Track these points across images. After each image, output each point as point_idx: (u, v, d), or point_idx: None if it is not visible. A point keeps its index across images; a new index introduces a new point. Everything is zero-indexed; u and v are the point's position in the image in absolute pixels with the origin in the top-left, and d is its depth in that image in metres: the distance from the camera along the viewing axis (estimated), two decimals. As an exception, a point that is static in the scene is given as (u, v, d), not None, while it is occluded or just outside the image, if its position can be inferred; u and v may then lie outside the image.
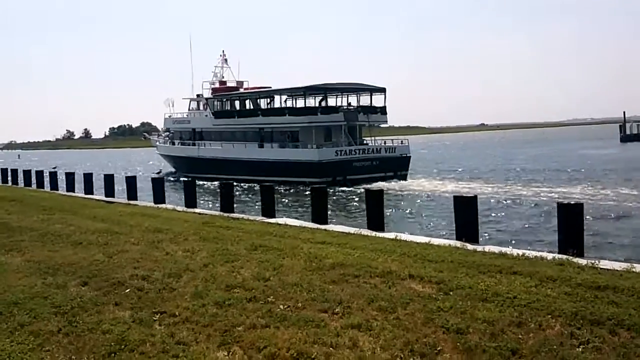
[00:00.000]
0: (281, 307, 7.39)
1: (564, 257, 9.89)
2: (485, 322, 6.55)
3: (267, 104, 51.72)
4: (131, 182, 25.28)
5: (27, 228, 14.70)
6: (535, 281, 8.08)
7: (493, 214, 24.62)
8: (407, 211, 27.53)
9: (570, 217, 11.34)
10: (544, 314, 6.75)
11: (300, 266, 9.48)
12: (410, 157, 45.38)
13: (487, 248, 10.92)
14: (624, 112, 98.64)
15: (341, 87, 47.01)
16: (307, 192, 34.88)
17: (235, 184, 23.80)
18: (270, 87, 52.76)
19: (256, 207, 28.33)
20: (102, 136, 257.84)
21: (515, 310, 6.92)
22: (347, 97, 48.70)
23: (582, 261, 9.44)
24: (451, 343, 6.08)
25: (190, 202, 21.53)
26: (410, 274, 8.65)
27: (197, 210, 20.14)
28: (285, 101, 50.42)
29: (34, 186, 33.70)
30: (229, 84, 57.53)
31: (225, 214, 17.95)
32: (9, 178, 38.09)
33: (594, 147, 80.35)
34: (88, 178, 28.85)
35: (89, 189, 28.41)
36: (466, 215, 12.90)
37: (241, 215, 18.04)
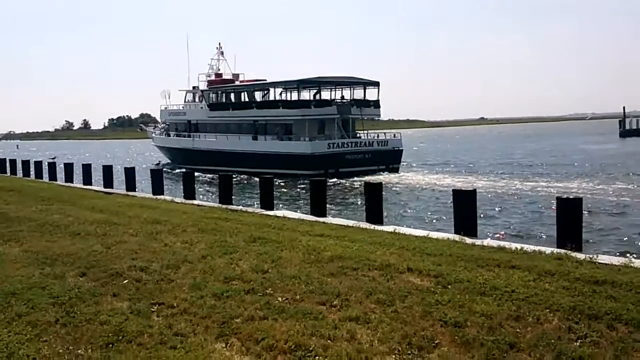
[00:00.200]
0: (279, 299, 7.39)
1: (563, 251, 9.89)
2: (483, 316, 6.55)
3: (263, 96, 51.98)
4: (130, 173, 25.28)
5: (25, 218, 14.68)
6: (534, 275, 8.09)
7: (492, 208, 24.62)
8: (406, 204, 27.51)
9: (569, 212, 11.36)
10: (542, 308, 6.75)
11: (298, 258, 9.47)
12: (402, 150, 45.79)
13: (486, 242, 10.94)
14: (624, 108, 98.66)
15: (335, 81, 47.27)
16: (303, 185, 35.48)
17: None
18: (266, 80, 52.91)
19: (252, 199, 28.39)
20: (101, 127, 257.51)
21: (514, 304, 6.92)
22: (341, 90, 48.91)
23: (581, 256, 9.46)
24: (449, 336, 6.08)
25: (189, 193, 21.52)
26: (409, 267, 8.65)
27: (195, 201, 20.13)
28: (280, 94, 50.61)
29: (32, 176, 33.66)
30: (224, 77, 57.65)
31: (224, 206, 17.94)
32: (8, 168, 38.03)
33: (594, 142, 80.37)
34: (87, 169, 28.82)
35: (87, 179, 28.40)
36: (465, 209, 12.89)
37: (240, 207, 18.04)
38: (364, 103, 47.09)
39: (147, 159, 67.29)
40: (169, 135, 59.12)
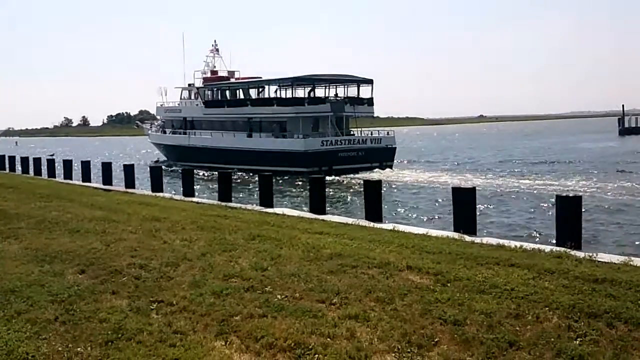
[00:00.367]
0: (279, 297, 7.38)
1: (562, 249, 9.90)
2: (482, 314, 6.54)
3: (258, 94, 52.10)
4: (129, 170, 25.27)
5: (24, 215, 14.66)
6: (533, 273, 8.08)
7: (491, 206, 24.62)
8: (405, 202, 27.51)
9: (568, 210, 11.37)
10: (541, 306, 6.75)
11: (298, 256, 9.47)
12: (395, 147, 46.10)
13: (485, 240, 10.93)
14: (623, 106, 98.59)
15: (329, 78, 47.58)
16: (298, 182, 35.58)
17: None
18: (261, 78, 53.13)
19: (249, 196, 28.40)
20: (100, 124, 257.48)
21: (513, 302, 6.91)
22: (336, 88, 49.16)
23: (580, 254, 9.45)
24: (448, 334, 6.07)
25: (188, 191, 21.52)
26: (408, 265, 8.64)
27: (194, 199, 20.13)
28: (276, 91, 50.79)
29: (31, 173, 33.64)
30: (220, 74, 57.82)
31: (223, 203, 17.94)
32: (7, 165, 38.02)
33: (593, 140, 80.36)
34: (86, 166, 28.82)
35: (86, 176, 28.39)
36: (465, 206, 12.90)
37: (239, 205, 18.02)
38: (357, 101, 47.46)
39: (144, 157, 67.16)
40: (164, 132, 59.27)
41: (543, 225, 19.30)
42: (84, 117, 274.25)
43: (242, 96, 52.49)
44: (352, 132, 47.84)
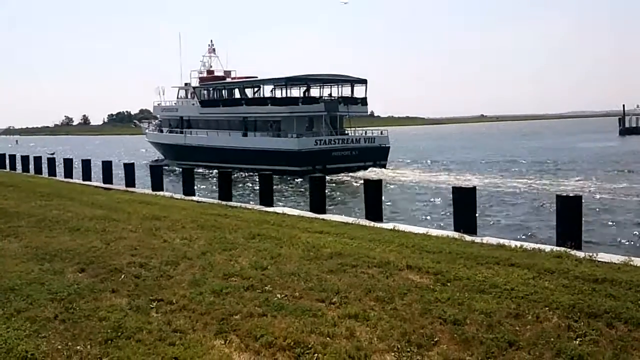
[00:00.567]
0: (278, 296, 7.38)
1: (562, 249, 9.88)
2: (482, 314, 6.54)
3: (254, 93, 52.63)
4: (129, 169, 25.27)
5: (24, 214, 14.65)
6: (533, 273, 8.07)
7: (492, 206, 24.62)
8: (404, 202, 27.52)
9: (568, 210, 11.35)
10: (541, 306, 6.74)
11: (298, 255, 9.46)
12: (389, 147, 46.62)
13: (485, 239, 10.91)
14: (623, 105, 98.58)
15: (323, 78, 48.21)
16: (292, 181, 35.65)
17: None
18: (257, 77, 53.67)
19: (248, 195, 28.40)
20: (101, 122, 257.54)
21: (513, 302, 6.91)
22: (330, 88, 49.70)
23: (580, 254, 9.45)
24: (448, 334, 6.07)
25: (188, 189, 21.51)
26: (408, 264, 8.64)
27: (195, 198, 20.12)
28: (272, 91, 51.27)
29: (31, 172, 33.62)
30: (216, 74, 58.32)
31: (223, 202, 17.93)
32: (7, 163, 38.01)
33: (593, 140, 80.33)
34: (86, 164, 28.81)
35: (87, 175, 28.38)
36: (465, 206, 12.89)
37: (239, 204, 18.02)
38: (351, 100, 48.10)
39: (137, 156, 67.14)
40: (161, 131, 59.80)
41: (543, 225, 19.30)
42: (84, 116, 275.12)
43: (237, 96, 53.05)
44: (346, 132, 48.29)
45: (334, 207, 23.31)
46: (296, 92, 49.07)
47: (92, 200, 17.78)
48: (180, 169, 27.35)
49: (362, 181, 36.18)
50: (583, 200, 11.88)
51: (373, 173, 39.91)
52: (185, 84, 58.49)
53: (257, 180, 35.80)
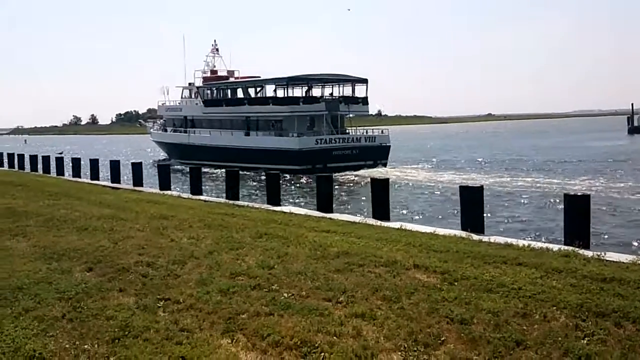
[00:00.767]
0: (285, 295, 7.38)
1: (570, 248, 9.84)
2: (489, 313, 6.52)
3: (257, 93, 53.01)
4: (137, 168, 25.34)
5: (32, 213, 14.71)
6: (541, 272, 8.05)
7: (499, 205, 24.55)
8: (411, 201, 27.48)
9: (577, 209, 11.30)
10: (549, 305, 6.72)
11: (304, 254, 9.46)
12: (389, 146, 46.76)
13: (493, 239, 10.87)
14: (632, 104, 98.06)
15: (324, 78, 48.64)
16: (293, 179, 35.70)
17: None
18: (259, 77, 54.12)
19: (255, 194, 28.41)
20: (109, 122, 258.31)
21: (520, 301, 6.89)
22: (332, 87, 50.12)
23: (588, 253, 9.40)
24: (455, 333, 6.05)
25: (196, 189, 21.54)
26: (415, 263, 8.62)
27: (202, 197, 20.14)
28: (274, 91, 51.70)
29: (40, 171, 33.75)
30: (219, 74, 58.76)
31: (231, 202, 17.95)
32: (16, 163, 38.18)
33: (602, 139, 79.96)
34: (94, 164, 28.90)
35: (95, 174, 28.47)
36: (472, 205, 12.85)
37: (246, 203, 18.04)
38: (352, 100, 48.37)
39: (141, 156, 67.31)
40: (165, 130, 60.38)
41: (551, 224, 19.23)
42: (92, 115, 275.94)
43: (240, 95, 53.46)
44: (347, 131, 48.58)
45: (336, 206, 23.27)
46: (298, 91, 49.46)
47: (100, 199, 17.84)
48: (184, 168, 27.52)
49: (364, 180, 36.96)
50: (592, 199, 11.83)
51: (376, 172, 40.06)
52: (189, 84, 58.89)
53: (260, 178, 36.86)
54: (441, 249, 9.65)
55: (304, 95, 48.58)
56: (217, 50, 60.22)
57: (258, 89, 53.15)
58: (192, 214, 14.18)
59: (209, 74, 58.77)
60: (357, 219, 13.94)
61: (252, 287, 7.72)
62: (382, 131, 47.77)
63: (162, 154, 62.12)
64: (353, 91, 49.25)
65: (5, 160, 40.43)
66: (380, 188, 15.21)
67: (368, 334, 6.06)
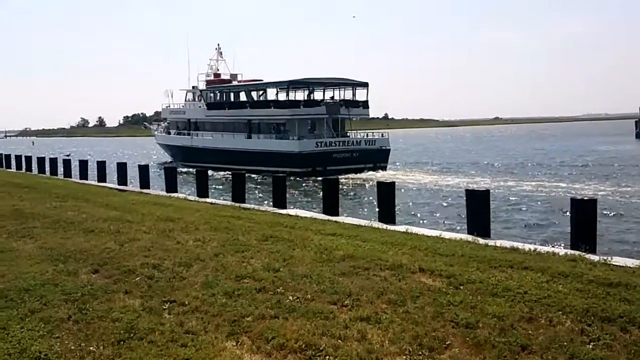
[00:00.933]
0: (290, 298, 7.38)
1: (576, 253, 9.81)
2: (495, 317, 6.50)
3: (259, 96, 53.64)
4: (144, 171, 25.41)
5: (39, 215, 14.78)
6: (547, 277, 8.02)
7: (505, 209, 24.49)
8: (416, 204, 27.45)
9: (583, 213, 11.26)
10: (554, 310, 6.70)
11: (310, 257, 9.46)
12: (389, 149, 47.28)
13: (499, 243, 10.85)
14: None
15: (324, 82, 49.03)
16: (303, 183, 35.78)
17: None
18: (262, 80, 54.74)
19: (260, 196, 28.43)
20: (117, 124, 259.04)
21: (526, 305, 6.87)
22: (332, 91, 50.50)
23: (595, 257, 9.37)
24: (460, 337, 6.04)
25: (202, 191, 21.58)
26: (421, 267, 8.61)
27: (208, 199, 20.18)
28: (276, 94, 52.20)
29: (47, 173, 33.89)
30: (223, 77, 59.58)
31: (237, 204, 17.97)
32: (23, 165, 38.35)
33: (609, 143, 79.69)
34: (101, 166, 29.01)
35: (102, 176, 28.57)
36: (478, 209, 12.82)
37: (252, 206, 18.06)
38: (352, 103, 48.97)
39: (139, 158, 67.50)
40: (169, 133, 61.22)
41: (558, 228, 19.17)
42: (100, 117, 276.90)
43: (243, 98, 54.29)
44: (347, 134, 49.12)
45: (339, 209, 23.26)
46: (300, 95, 49.97)
47: (107, 201, 17.90)
48: (188, 170, 27.64)
49: (365, 183, 37.17)
50: (599, 203, 11.79)
51: (380, 174, 40.55)
52: (193, 87, 59.73)
53: (261, 181, 37.18)
54: (447, 252, 9.64)
55: (306, 98, 49.07)
56: (220, 53, 61.08)
57: (260, 92, 53.74)
58: (198, 217, 14.21)
59: (212, 77, 59.52)
60: (362, 222, 13.93)
61: (257, 290, 7.73)
62: (382, 134, 48.35)
63: (165, 157, 62.67)
64: (354, 95, 49.77)
65: (13, 162, 40.64)
66: (386, 191, 15.19)
67: (373, 338, 6.06)
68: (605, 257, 9.31)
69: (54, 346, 6.01)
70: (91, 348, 5.96)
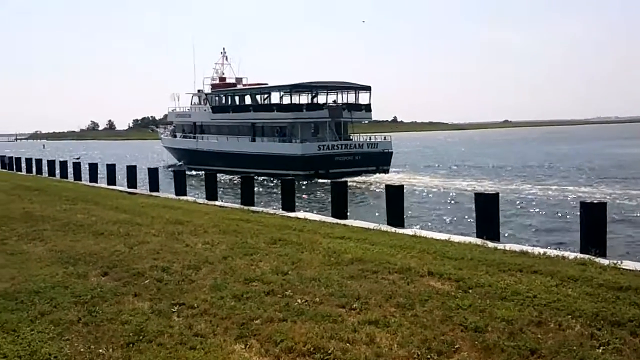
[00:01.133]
0: (299, 301, 7.39)
1: (586, 256, 9.76)
2: (504, 321, 6.48)
3: (264, 100, 54.26)
4: (153, 174, 25.50)
5: (49, 217, 14.86)
6: (556, 281, 7.99)
7: (514, 212, 24.41)
8: (424, 207, 27.41)
9: (593, 217, 11.20)
10: (564, 314, 6.67)
11: (318, 261, 9.47)
12: (392, 152, 47.74)
13: (508, 246, 10.81)
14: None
15: (328, 85, 49.62)
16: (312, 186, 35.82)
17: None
18: (267, 84, 55.43)
19: (265, 200, 28.46)
20: (126, 127, 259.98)
21: (535, 309, 6.84)
22: (336, 94, 50.94)
23: (605, 261, 9.32)
24: (469, 341, 6.02)
25: (211, 194, 21.62)
26: (430, 270, 8.60)
27: (217, 202, 20.21)
28: (281, 97, 52.53)
29: (57, 176, 34.05)
30: (228, 81, 60.13)
31: (246, 207, 17.99)
32: (34, 168, 38.54)
33: (620, 146, 79.29)
34: (111, 169, 29.12)
35: (111, 179, 28.68)
36: (487, 212, 12.78)
37: (261, 209, 18.08)
38: (355, 107, 49.59)
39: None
40: (175, 136, 62.09)
41: (568, 232, 19.09)
42: (110, 120, 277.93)
43: (248, 102, 54.79)
44: (350, 137, 49.59)
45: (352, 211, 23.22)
46: (304, 98, 50.68)
47: (116, 204, 17.97)
48: (192, 173, 27.77)
49: (369, 185, 37.25)
50: (609, 207, 11.73)
51: (381, 177, 40.94)
52: (199, 91, 60.37)
53: (266, 183, 37.34)
54: (456, 256, 9.62)
55: (309, 102, 49.68)
56: (226, 57, 61.72)
57: (265, 95, 54.30)
58: (207, 220, 14.24)
59: (217, 81, 60.09)
60: (371, 225, 13.92)
61: (265, 293, 7.74)
62: (384, 137, 48.78)
63: (169, 160, 63.19)
64: (357, 98, 50.39)
65: (24, 165, 40.85)
66: (395, 194, 15.17)
67: (381, 341, 6.05)
68: (615, 261, 9.26)
69: (63, 348, 6.04)
70: (100, 350, 5.99)
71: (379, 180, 39.31)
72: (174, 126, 63.65)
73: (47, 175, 35.46)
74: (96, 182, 29.67)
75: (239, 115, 52.89)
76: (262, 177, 38.91)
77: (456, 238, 11.96)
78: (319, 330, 6.33)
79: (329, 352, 5.79)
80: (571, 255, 9.99)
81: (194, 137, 57.11)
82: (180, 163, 57.64)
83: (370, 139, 49.06)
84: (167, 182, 30.57)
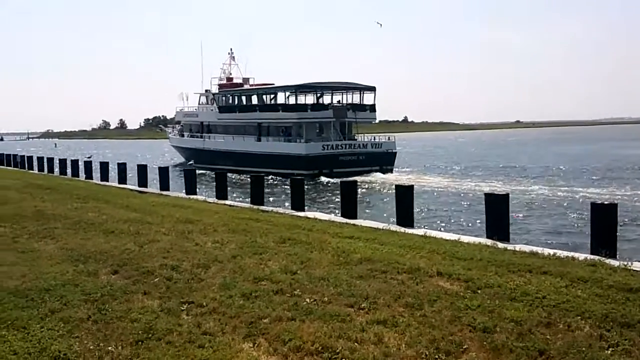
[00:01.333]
0: (307, 300, 7.40)
1: (596, 257, 9.71)
2: (513, 322, 6.47)
3: (270, 100, 54.80)
4: (164, 173, 25.58)
5: (60, 216, 14.94)
6: (566, 282, 7.96)
7: (524, 213, 24.32)
8: (432, 207, 27.35)
9: (603, 218, 11.14)
10: (573, 315, 6.65)
11: (327, 260, 9.48)
12: (396, 152, 48.13)
13: (518, 247, 10.76)
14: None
15: (333, 86, 49.92)
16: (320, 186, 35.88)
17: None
18: (273, 84, 55.92)
19: (272, 199, 28.48)
20: (137, 127, 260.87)
21: (544, 310, 6.82)
22: (341, 95, 51.33)
23: (615, 262, 9.27)
24: (478, 342, 6.01)
25: (221, 193, 21.66)
26: (439, 271, 8.59)
27: (227, 202, 20.25)
28: (287, 97, 52.95)
29: (69, 175, 34.21)
30: (235, 81, 60.77)
31: (255, 207, 18.02)
32: (45, 167, 38.76)
33: (632, 147, 78.78)
34: (122, 168, 29.24)
35: (122, 178, 28.80)
36: (497, 213, 12.74)
37: (271, 208, 18.10)
38: (359, 107, 49.92)
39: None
40: (182, 135, 62.99)
41: (578, 232, 19.00)
42: (121, 120, 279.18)
43: (254, 102, 55.22)
44: (354, 137, 49.95)
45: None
46: (310, 99, 50.96)
47: (127, 203, 18.05)
48: (200, 172, 27.90)
49: (375, 185, 37.29)
50: (620, 208, 11.66)
51: (387, 177, 41.07)
52: (206, 91, 61.01)
53: (272, 183, 37.46)
54: (465, 256, 9.59)
55: (314, 102, 49.96)
56: (233, 58, 62.27)
57: (271, 95, 54.74)
58: (217, 219, 14.28)
59: (225, 81, 60.66)
60: (380, 225, 13.91)
61: (274, 292, 7.76)
62: (388, 137, 49.22)
63: (177, 158, 63.66)
64: (361, 99, 50.63)
65: (35, 163, 41.10)
66: (405, 194, 15.14)
67: (389, 341, 6.05)
68: (625, 262, 9.21)
69: (73, 346, 6.08)
70: (110, 348, 6.02)
71: (386, 180, 39.45)
72: (182, 125, 64.38)
73: (58, 174, 35.64)
74: (107, 181, 29.79)
75: (245, 115, 53.43)
76: (268, 176, 39.05)
77: (466, 238, 11.93)
78: (327, 329, 6.34)
79: (337, 351, 5.80)
80: (581, 256, 9.94)
81: (201, 137, 57.79)
82: (190, 162, 57.91)
83: (374, 139, 49.39)
84: (176, 181, 30.68)
